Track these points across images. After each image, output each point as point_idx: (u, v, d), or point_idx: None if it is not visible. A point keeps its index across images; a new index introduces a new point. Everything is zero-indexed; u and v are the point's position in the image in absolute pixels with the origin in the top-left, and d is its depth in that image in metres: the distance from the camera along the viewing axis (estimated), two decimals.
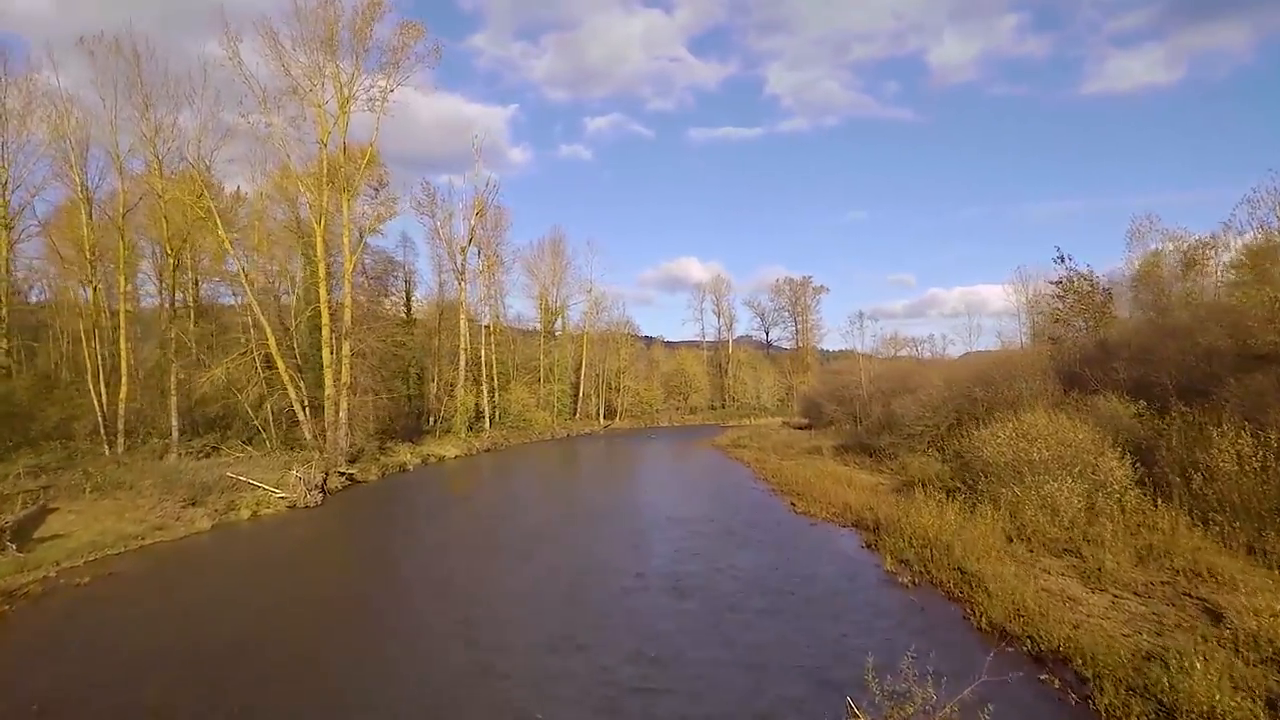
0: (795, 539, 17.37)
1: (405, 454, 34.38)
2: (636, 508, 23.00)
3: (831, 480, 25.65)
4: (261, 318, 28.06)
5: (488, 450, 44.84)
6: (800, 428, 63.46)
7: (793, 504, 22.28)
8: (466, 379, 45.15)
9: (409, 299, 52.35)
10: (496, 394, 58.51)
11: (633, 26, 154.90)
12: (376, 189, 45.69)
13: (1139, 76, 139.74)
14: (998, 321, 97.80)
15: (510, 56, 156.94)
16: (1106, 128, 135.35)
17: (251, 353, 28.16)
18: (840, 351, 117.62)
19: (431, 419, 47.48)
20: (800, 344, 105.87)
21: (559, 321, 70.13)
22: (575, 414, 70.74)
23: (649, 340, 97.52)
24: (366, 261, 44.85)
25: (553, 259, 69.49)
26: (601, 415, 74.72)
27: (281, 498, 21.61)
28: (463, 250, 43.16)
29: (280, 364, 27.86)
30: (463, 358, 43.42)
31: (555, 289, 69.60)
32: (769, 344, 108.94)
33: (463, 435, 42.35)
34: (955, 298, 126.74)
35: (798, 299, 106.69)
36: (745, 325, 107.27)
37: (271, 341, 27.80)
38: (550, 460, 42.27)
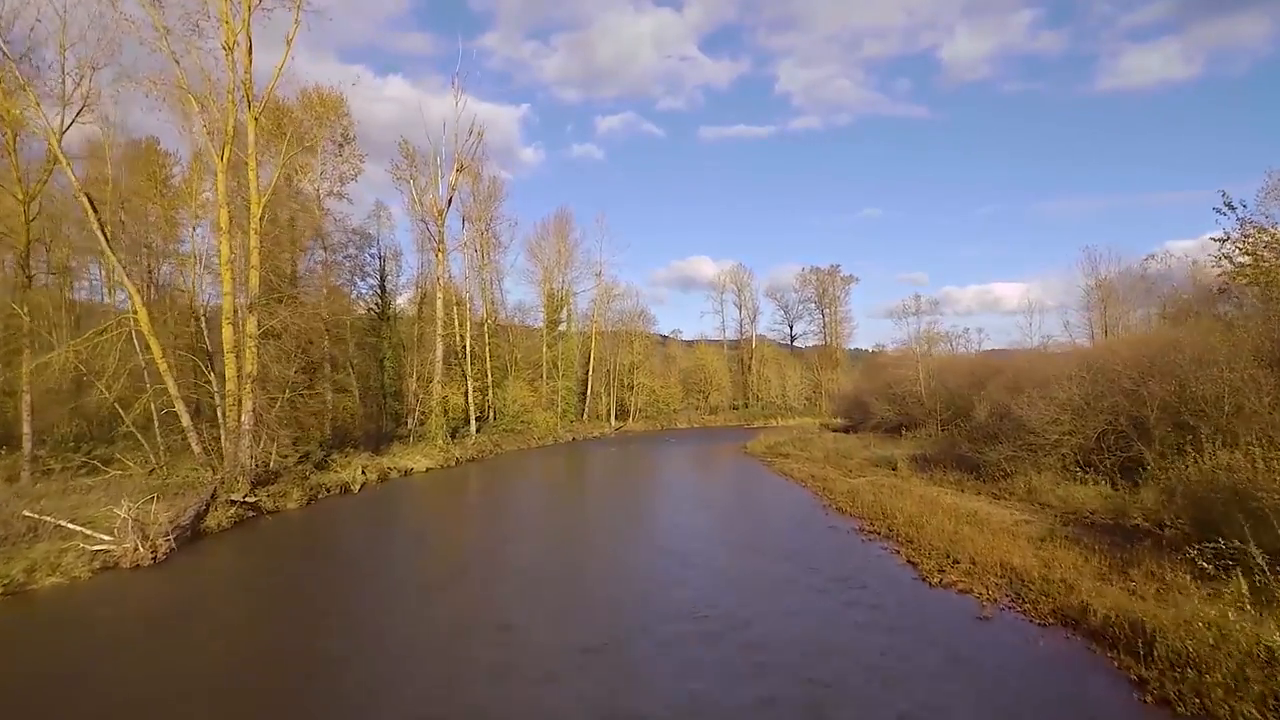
0: (978, 665, 8.93)
1: (355, 468, 26.35)
2: (669, 566, 14.72)
3: (945, 514, 17.28)
4: (126, 279, 20.14)
5: (473, 460, 36.81)
6: (840, 430, 54.98)
7: (910, 560, 13.93)
8: (446, 372, 37.16)
9: (383, 281, 44.47)
10: (490, 391, 50.54)
11: (643, 25, 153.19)
12: (341, 145, 37.97)
13: (1156, 72, 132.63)
14: (1028, 320, 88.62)
15: (521, 56, 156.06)
16: (1123, 124, 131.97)
17: (114, 329, 20.09)
18: (870, 350, 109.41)
19: (410, 421, 39.55)
20: (828, 338, 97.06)
21: (564, 312, 61.95)
22: (583, 415, 62.66)
23: (664, 339, 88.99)
24: (334, 236, 37.24)
25: (557, 239, 61.55)
26: (613, 416, 66.59)
27: (100, 549, 13.57)
28: (439, 214, 35.29)
29: (155, 346, 19.89)
30: (439, 345, 35.44)
31: (561, 273, 61.62)
32: (792, 339, 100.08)
33: (440, 442, 34.39)
34: (970, 296, 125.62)
35: (825, 290, 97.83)
36: (767, 321, 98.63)
37: (142, 313, 19.77)
38: (547, 475, 34.14)
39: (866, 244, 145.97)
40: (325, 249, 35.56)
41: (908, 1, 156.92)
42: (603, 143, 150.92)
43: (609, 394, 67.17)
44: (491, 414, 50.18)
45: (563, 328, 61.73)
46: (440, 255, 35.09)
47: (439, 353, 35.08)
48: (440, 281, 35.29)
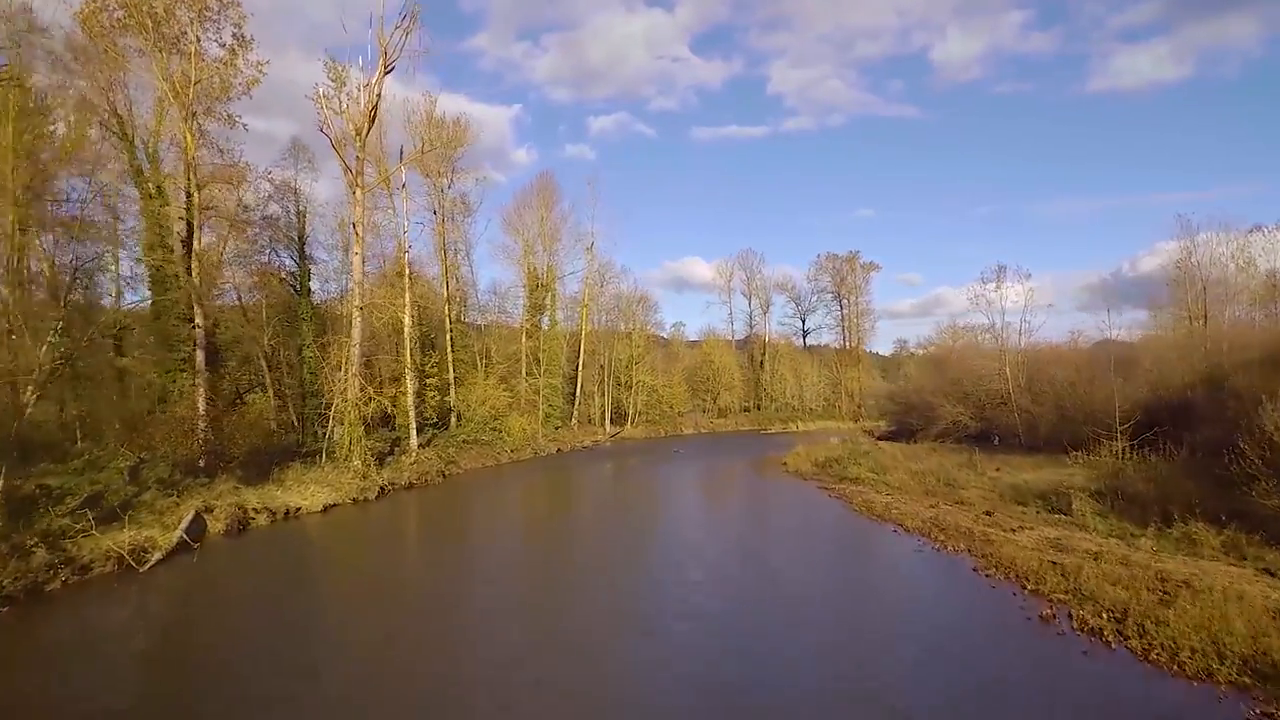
0: None
1: (180, 514, 15.52)
2: None
3: None
4: None
5: (411, 486, 25.91)
6: (885, 437, 44.40)
7: None
8: (362, 365, 26.14)
9: (302, 242, 33.49)
10: (452, 391, 39.63)
11: (634, 25, 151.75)
12: (235, 49, 26.99)
13: (1147, 73, 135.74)
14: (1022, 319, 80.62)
15: (512, 57, 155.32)
16: (1114, 125, 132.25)
17: None
18: (889, 353, 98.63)
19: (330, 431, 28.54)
20: (848, 333, 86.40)
21: (549, 298, 51.00)
22: (572, 419, 51.78)
23: (664, 340, 77.58)
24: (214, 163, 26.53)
25: (540, 208, 50.54)
26: (608, 420, 55.72)
27: None
28: (358, 132, 24.06)
29: None
30: (356, 324, 24.33)
31: (545, 249, 50.61)
32: (804, 334, 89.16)
33: (357, 463, 23.46)
34: (963, 297, 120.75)
35: (843, 279, 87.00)
36: (776, 315, 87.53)
37: None
38: (507, 516, 23.47)
39: (860, 245, 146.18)
40: (195, 188, 24.62)
41: (899, 2, 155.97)
42: (595, 143, 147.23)
43: (603, 394, 56.28)
44: (455, 419, 39.32)
45: (547, 320, 50.79)
46: (358, 190, 24.12)
47: (356, 334, 24.07)
48: (358, 231, 24.30)
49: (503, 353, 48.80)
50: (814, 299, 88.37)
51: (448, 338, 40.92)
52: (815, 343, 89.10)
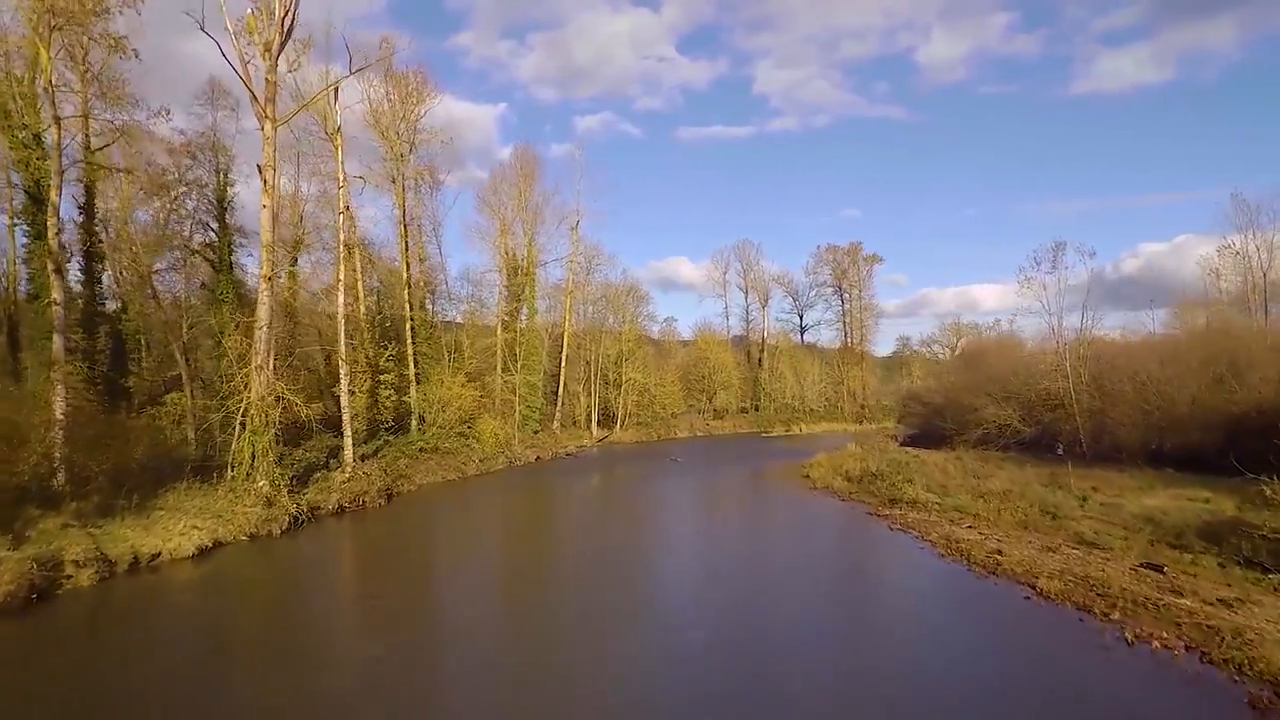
0: None
1: None
2: None
3: None
4: None
5: (339, 511, 19.97)
6: (906, 442, 38.98)
7: None
8: (280, 357, 20.11)
9: (222, 209, 27.43)
10: (413, 389, 33.65)
11: (620, 25, 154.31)
12: None
13: (1129, 76, 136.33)
14: (1009, 321, 78.87)
15: (498, 55, 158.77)
16: (1099, 127, 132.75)
17: None
18: (888, 354, 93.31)
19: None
20: (850, 330, 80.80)
21: (526, 291, 45.01)
22: (554, 421, 45.88)
23: (654, 340, 71.32)
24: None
25: (521, 184, 44.60)
26: (594, 422, 49.86)
27: None
28: (267, 50, 17.80)
29: None
30: (264, 304, 17.98)
31: (525, 230, 44.68)
32: (802, 331, 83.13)
33: (262, 483, 17.45)
34: (949, 298, 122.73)
35: (844, 272, 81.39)
36: (773, 311, 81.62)
37: None
38: (455, 563, 17.66)
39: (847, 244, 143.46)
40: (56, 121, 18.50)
41: (885, 3, 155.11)
42: (581, 142, 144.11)
43: (589, 394, 50.43)
44: (416, 423, 33.33)
45: (525, 312, 44.81)
46: (267, 123, 18.01)
47: (263, 313, 17.86)
48: (265, 177, 18.07)
49: (476, 346, 42.84)
50: (812, 294, 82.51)
51: (408, 326, 34.95)
52: (813, 340, 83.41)
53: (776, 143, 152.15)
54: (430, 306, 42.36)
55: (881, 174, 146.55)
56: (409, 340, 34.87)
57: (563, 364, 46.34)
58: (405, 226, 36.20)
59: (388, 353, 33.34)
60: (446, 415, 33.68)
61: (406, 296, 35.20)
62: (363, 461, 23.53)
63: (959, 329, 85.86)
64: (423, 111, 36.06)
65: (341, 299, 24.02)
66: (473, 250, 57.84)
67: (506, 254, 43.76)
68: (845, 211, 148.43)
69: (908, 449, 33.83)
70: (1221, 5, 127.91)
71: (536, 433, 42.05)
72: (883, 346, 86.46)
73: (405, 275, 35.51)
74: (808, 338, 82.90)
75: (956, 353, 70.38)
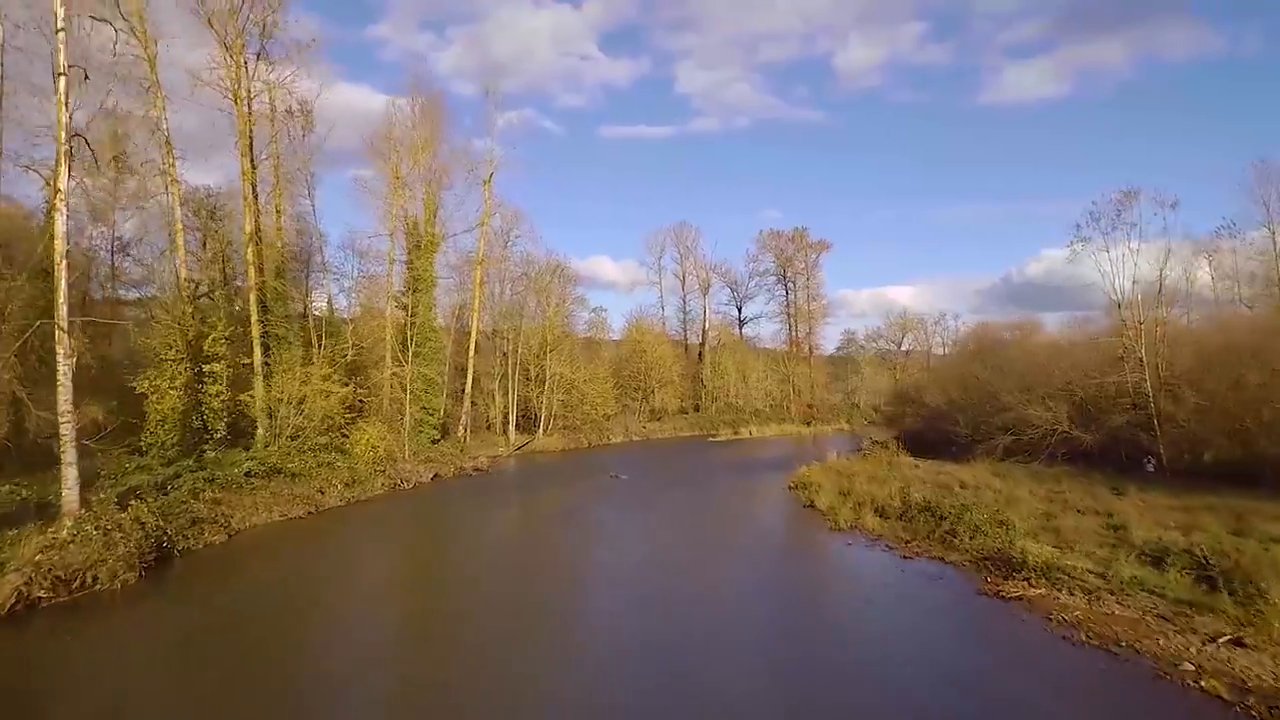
0: None
1: None
2: None
3: None
4: None
5: (31, 603, 10.75)
6: (897, 440, 32.24)
7: None
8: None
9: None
10: (258, 384, 24.10)
11: (540, 21, 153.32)
12: None
13: (1031, 88, 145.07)
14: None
15: (416, 48, 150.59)
16: (1005, 136, 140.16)
17: None
18: (833, 353, 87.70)
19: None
20: (795, 322, 74.50)
21: (422, 263, 35.58)
22: (461, 426, 36.73)
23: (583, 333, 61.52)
24: None
25: (425, 129, 35.17)
26: (513, 426, 40.88)
27: None
28: None
29: None
30: None
31: (426, 186, 35.28)
32: (741, 324, 76.06)
33: None
34: (864, 299, 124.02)
35: (789, 259, 74.98)
36: (714, 301, 74.31)
37: None
38: None
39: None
40: None
41: (803, 7, 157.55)
42: (500, 138, 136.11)
43: (505, 392, 41.43)
44: (262, 432, 23.82)
45: (423, 316, 35.43)
46: None
47: None
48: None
49: (359, 331, 33.36)
50: (753, 284, 75.57)
51: (252, 298, 25.35)
52: (752, 334, 76.57)
53: (699, 143, 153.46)
54: (301, 280, 32.68)
55: (800, 176, 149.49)
56: (255, 318, 25.33)
57: (471, 353, 37.27)
58: (252, 162, 26.49)
59: (216, 333, 23.69)
60: (303, 420, 24.32)
61: (250, 256, 25.58)
62: (117, 503, 14.07)
63: (905, 323, 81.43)
64: (278, 11, 26.56)
65: (61, 227, 13.99)
66: (362, 214, 47.17)
67: (403, 219, 34.35)
68: (766, 212, 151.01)
69: (919, 462, 26.82)
70: (1114, 22, 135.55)
71: (436, 442, 32.90)
72: (825, 345, 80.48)
73: (249, 229, 25.86)
74: (747, 331, 76.23)
75: (954, 344, 64.45)
